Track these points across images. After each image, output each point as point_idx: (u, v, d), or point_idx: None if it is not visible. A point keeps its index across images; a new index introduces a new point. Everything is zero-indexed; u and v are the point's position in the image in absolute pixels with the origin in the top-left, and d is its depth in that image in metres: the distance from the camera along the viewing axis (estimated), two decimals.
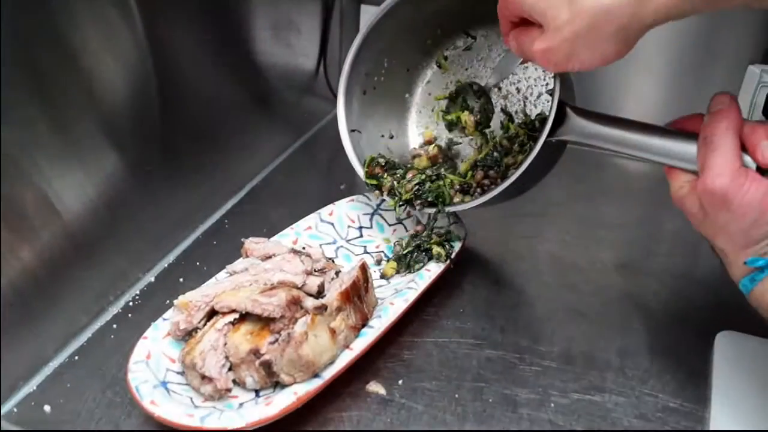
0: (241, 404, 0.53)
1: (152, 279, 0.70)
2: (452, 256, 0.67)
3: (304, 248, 0.67)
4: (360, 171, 0.71)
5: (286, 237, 0.71)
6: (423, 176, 0.69)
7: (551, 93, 0.58)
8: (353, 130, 0.73)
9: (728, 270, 0.49)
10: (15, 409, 0.54)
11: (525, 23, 0.52)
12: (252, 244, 0.66)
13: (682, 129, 0.51)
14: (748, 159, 0.46)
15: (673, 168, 0.51)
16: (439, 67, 0.77)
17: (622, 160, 0.94)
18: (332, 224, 0.74)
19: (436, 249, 0.66)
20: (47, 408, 0.54)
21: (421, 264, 0.67)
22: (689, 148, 0.49)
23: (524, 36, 0.51)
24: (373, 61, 0.73)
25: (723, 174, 0.45)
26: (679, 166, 0.50)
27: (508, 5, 0.51)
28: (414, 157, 0.76)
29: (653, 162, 0.52)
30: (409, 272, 0.67)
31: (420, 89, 0.79)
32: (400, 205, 0.68)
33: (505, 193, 0.61)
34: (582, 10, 0.45)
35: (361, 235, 0.74)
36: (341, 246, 0.73)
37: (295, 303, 0.55)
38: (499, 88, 0.74)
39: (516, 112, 0.73)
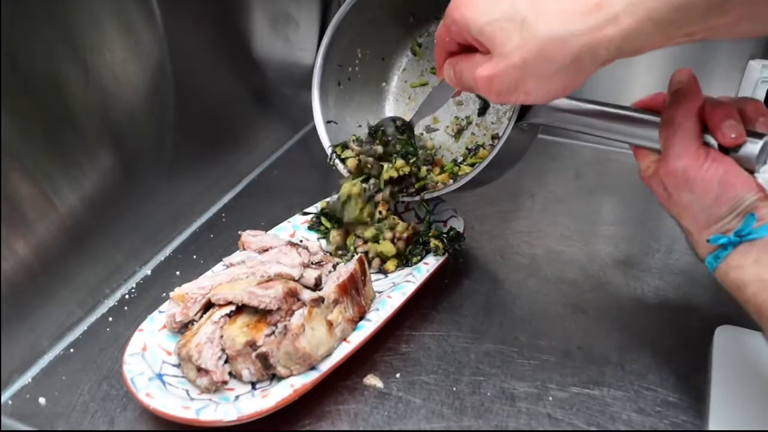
0: (237, 397, 0.52)
1: (148, 272, 0.69)
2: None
3: (301, 241, 0.67)
4: (339, 166, 0.71)
5: (284, 230, 0.70)
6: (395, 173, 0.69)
7: None
8: (329, 122, 0.73)
9: (694, 249, 0.50)
10: (10, 402, 0.54)
11: (465, 51, 0.48)
12: (249, 236, 0.66)
13: (647, 108, 0.52)
14: (710, 137, 0.46)
15: (640, 148, 0.51)
16: (414, 54, 0.77)
17: (621, 155, 0.94)
18: None
19: (434, 242, 0.66)
20: (42, 400, 0.54)
21: (419, 257, 0.66)
22: (654, 128, 0.49)
23: (465, 62, 0.48)
24: (346, 52, 0.73)
25: (683, 155, 0.46)
26: (645, 145, 0.51)
27: (451, 30, 0.47)
28: None
29: (621, 142, 0.53)
30: (407, 266, 0.67)
31: (396, 77, 0.79)
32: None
33: (478, 179, 0.62)
34: (534, 36, 0.41)
35: None
36: None
37: (292, 295, 0.55)
38: None
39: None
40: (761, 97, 0.82)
